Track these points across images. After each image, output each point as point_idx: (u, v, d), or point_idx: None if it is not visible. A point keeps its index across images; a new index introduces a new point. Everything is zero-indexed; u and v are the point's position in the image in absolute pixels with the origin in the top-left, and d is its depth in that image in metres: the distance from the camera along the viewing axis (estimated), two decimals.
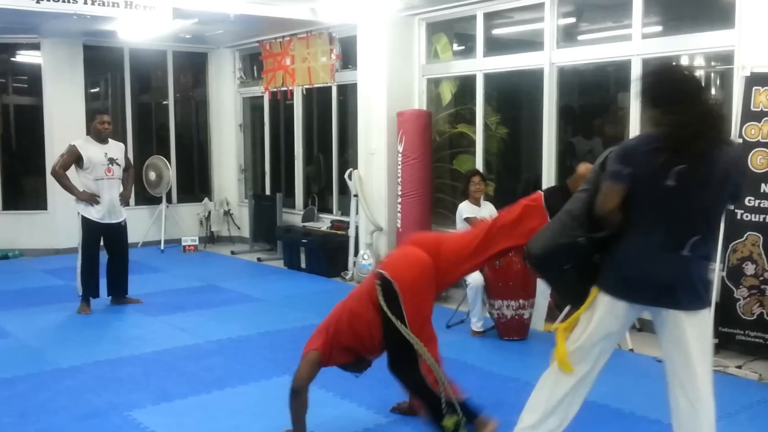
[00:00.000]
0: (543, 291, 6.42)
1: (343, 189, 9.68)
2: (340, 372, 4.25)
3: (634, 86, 6.52)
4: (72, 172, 7.19)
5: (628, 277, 3.19)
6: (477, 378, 5.30)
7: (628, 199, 3.14)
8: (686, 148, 3.03)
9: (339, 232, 9.33)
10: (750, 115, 5.58)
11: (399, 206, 8.33)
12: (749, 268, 5.46)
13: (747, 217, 5.50)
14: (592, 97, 8.95)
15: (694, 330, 3.15)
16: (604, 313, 3.25)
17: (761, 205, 5.45)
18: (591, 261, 3.29)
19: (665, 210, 3.09)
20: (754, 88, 5.60)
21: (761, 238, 5.44)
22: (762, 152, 5.49)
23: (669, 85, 3.17)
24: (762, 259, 5.43)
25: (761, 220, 5.45)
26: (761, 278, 5.42)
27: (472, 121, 8.42)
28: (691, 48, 6.65)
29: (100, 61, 11.42)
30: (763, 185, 5.46)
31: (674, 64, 3.75)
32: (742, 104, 5.63)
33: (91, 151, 7.16)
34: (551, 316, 6.51)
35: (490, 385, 5.16)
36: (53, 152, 9.56)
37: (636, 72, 6.59)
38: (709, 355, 3.22)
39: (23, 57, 11.29)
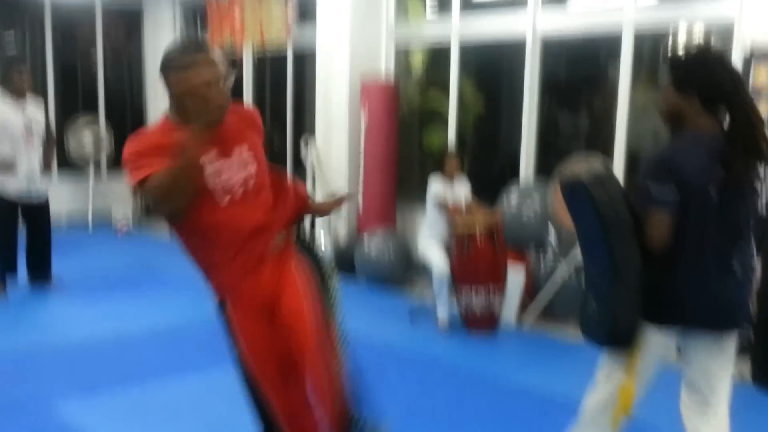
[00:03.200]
0: (516, 280, 6.65)
1: (298, 163, 9.78)
2: None
3: (624, 63, 6.80)
4: None
5: (683, 304, 3.17)
6: (441, 373, 5.54)
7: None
8: (755, 152, 3.04)
9: None
10: None
11: (361, 184, 8.49)
12: None
13: None
14: (578, 70, 9.13)
15: (729, 348, 3.27)
16: (654, 350, 3.27)
17: None
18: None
19: (712, 223, 3.08)
20: (755, 64, 5.79)
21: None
22: None
23: (728, 75, 3.12)
24: None
25: None
26: None
27: (444, 93, 8.57)
28: (688, 18, 6.86)
29: (16, 15, 11.37)
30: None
31: (712, 49, 3.64)
32: None
33: (7, 111, 7.06)
34: (524, 308, 6.75)
35: (454, 380, 5.39)
36: None
37: (627, 44, 6.80)
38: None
39: None
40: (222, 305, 3.26)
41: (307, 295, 3.23)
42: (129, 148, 3.04)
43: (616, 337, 3.18)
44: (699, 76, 3.12)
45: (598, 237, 3.14)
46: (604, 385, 3.35)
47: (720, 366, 3.28)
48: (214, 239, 3.15)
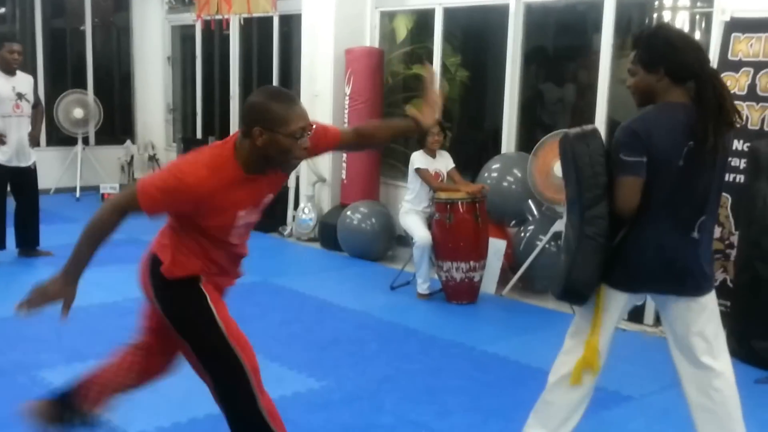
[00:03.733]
0: (496, 252, 6.77)
1: None
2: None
3: (606, 31, 6.87)
4: None
5: (640, 268, 3.32)
6: (418, 342, 5.68)
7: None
8: (725, 122, 3.18)
9: None
10: (727, 65, 5.85)
11: (344, 155, 8.57)
12: (715, 232, 5.72)
13: None
14: (564, 39, 9.19)
15: (704, 314, 3.36)
16: (613, 311, 3.41)
17: (732, 163, 5.72)
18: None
19: (675, 192, 3.21)
20: (734, 34, 5.87)
21: (730, 199, 5.78)
22: (737, 106, 5.75)
23: (693, 53, 3.24)
24: (729, 221, 5.79)
25: (732, 179, 5.73)
26: (727, 242, 5.80)
27: (429, 62, 8.59)
28: None
29: None
30: (735, 142, 5.76)
31: (673, 26, 3.77)
32: (719, 52, 5.91)
33: None
34: (504, 280, 6.88)
35: (434, 349, 5.54)
36: None
37: (609, 10, 6.83)
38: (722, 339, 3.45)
39: None
40: (189, 281, 3.31)
41: None
42: (198, 178, 2.95)
43: (570, 289, 3.36)
44: (665, 54, 3.24)
45: (574, 194, 3.29)
46: (572, 349, 3.49)
47: (702, 326, 3.35)
48: (209, 246, 3.23)
